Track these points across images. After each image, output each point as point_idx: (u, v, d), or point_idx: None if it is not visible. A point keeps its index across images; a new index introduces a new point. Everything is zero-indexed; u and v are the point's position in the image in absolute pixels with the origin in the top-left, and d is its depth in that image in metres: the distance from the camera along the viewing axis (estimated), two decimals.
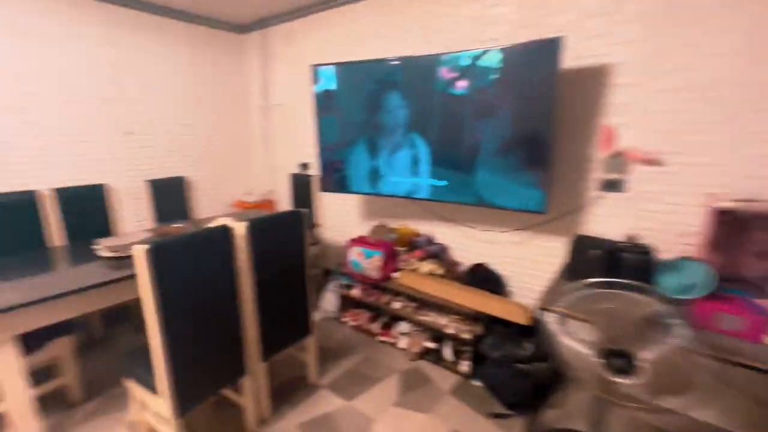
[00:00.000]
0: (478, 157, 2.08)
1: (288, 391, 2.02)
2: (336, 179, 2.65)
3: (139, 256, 1.26)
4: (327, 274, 3.04)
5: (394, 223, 2.81)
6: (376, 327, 2.53)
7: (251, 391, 1.74)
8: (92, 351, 2.37)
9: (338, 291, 2.75)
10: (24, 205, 2.37)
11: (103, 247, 1.95)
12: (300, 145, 3.34)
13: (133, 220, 2.98)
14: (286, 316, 1.88)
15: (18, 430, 1.52)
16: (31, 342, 1.67)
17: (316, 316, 2.81)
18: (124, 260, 1.91)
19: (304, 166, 3.31)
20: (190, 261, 1.40)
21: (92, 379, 2.08)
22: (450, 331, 2.17)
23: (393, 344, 2.43)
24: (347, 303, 2.74)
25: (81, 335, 2.46)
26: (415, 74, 2.21)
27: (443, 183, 2.24)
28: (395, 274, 2.48)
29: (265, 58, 3.52)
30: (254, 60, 3.62)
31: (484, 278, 2.30)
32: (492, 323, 2.15)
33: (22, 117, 2.42)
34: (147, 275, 1.28)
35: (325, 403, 1.95)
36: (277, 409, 1.89)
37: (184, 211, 3.17)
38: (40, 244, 2.42)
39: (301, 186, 3.26)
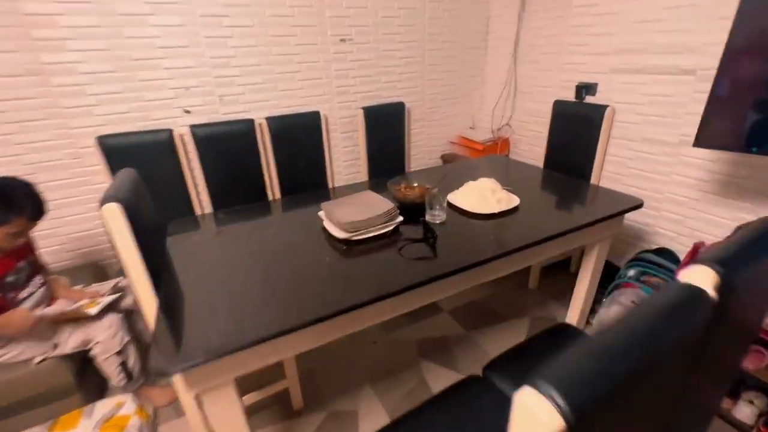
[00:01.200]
0: None
1: None
2: (762, 123, 1.18)
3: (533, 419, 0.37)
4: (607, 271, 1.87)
5: None
6: (743, 412, 1.33)
7: None
8: None
9: None
10: (244, 136, 1.93)
11: (328, 221, 1.27)
12: (580, 53, 2.00)
13: (344, 159, 2.36)
14: None
15: None
16: None
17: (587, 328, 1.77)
18: (356, 245, 1.19)
19: (585, 90, 2.00)
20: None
21: (323, 385, 1.63)
22: None
23: None
24: None
25: None
26: None
27: None
28: None
29: None
30: None
31: None
32: None
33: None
34: None
35: None
36: None
37: (399, 149, 2.40)
38: (260, 194, 2.02)
39: (571, 122, 2.01)
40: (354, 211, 1.29)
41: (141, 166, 1.73)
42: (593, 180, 1.96)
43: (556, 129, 2.10)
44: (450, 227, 1.31)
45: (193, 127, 1.82)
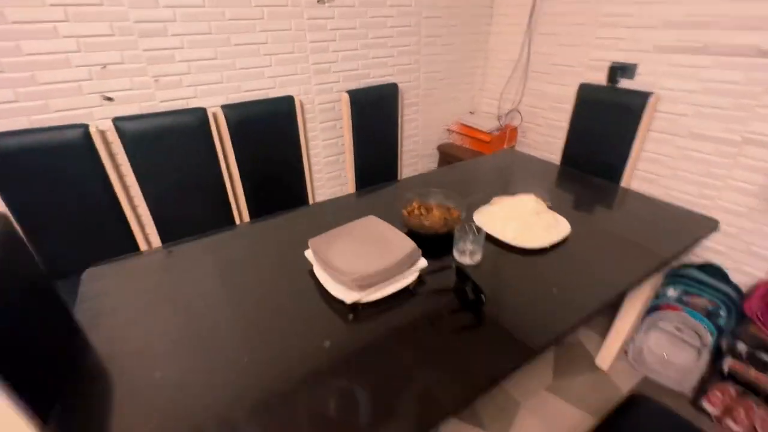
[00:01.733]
0: None
1: None
2: None
3: None
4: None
5: None
6: None
7: None
8: None
9: (707, 357, 1.35)
10: (193, 132, 1.46)
11: (323, 272, 0.87)
12: (618, 25, 1.65)
13: (324, 156, 1.93)
14: None
15: None
16: None
17: (617, 364, 1.52)
18: (366, 307, 0.82)
19: (620, 71, 1.66)
20: None
21: None
22: None
23: None
24: (718, 377, 1.35)
25: None
26: None
27: None
28: None
29: None
30: None
31: None
32: None
33: None
34: None
35: None
36: None
37: (391, 141, 1.99)
38: (222, 215, 1.57)
39: (600, 111, 1.68)
40: (360, 254, 0.90)
41: (45, 179, 1.25)
42: (624, 181, 1.67)
43: (581, 118, 1.77)
44: (489, 271, 0.96)
45: (118, 120, 1.32)
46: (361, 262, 0.87)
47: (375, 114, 1.89)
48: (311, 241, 0.95)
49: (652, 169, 1.65)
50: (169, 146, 1.40)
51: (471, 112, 2.36)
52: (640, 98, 1.55)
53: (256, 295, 0.89)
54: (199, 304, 0.86)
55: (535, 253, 1.01)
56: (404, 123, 2.12)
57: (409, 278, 0.89)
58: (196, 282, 0.93)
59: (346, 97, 1.76)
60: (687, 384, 1.41)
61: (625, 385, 1.47)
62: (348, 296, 0.82)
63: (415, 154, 2.28)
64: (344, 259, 0.89)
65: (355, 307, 0.83)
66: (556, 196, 1.29)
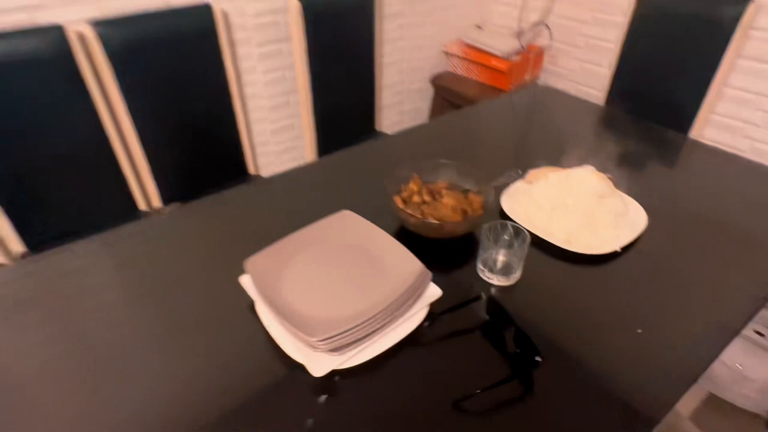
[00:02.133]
0: None
1: None
2: None
3: None
4: None
5: None
6: None
7: None
8: None
9: None
10: (48, 64, 1.15)
11: (269, 317, 0.66)
12: None
13: (267, 95, 1.63)
14: None
15: None
16: None
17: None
18: (346, 376, 0.62)
19: None
20: None
21: None
22: None
23: None
24: None
25: None
26: None
27: None
28: None
29: None
30: None
31: None
32: None
33: None
34: None
35: None
36: None
37: (365, 72, 1.73)
38: (119, 196, 1.30)
39: (669, 26, 1.48)
40: (330, 284, 0.70)
41: None
42: (694, 129, 1.49)
43: (639, 36, 1.58)
44: (530, 294, 0.78)
45: None
46: (333, 301, 0.66)
47: (340, 30, 1.61)
48: (249, 263, 0.72)
49: (736, 113, 1.48)
50: (6, 91, 1.08)
51: (478, 26, 2.07)
52: (733, 8, 1.35)
53: (172, 357, 0.67)
54: (80, 377, 0.63)
55: (599, 261, 0.83)
56: (384, 44, 1.82)
57: (413, 320, 0.69)
58: (74, 329, 0.69)
59: (296, 5, 1.44)
60: (766, 403, 1.36)
61: (687, 408, 1.40)
62: (315, 364, 0.62)
63: (401, 89, 2.01)
64: (304, 296, 0.68)
65: (329, 377, 0.63)
66: (611, 161, 1.10)
